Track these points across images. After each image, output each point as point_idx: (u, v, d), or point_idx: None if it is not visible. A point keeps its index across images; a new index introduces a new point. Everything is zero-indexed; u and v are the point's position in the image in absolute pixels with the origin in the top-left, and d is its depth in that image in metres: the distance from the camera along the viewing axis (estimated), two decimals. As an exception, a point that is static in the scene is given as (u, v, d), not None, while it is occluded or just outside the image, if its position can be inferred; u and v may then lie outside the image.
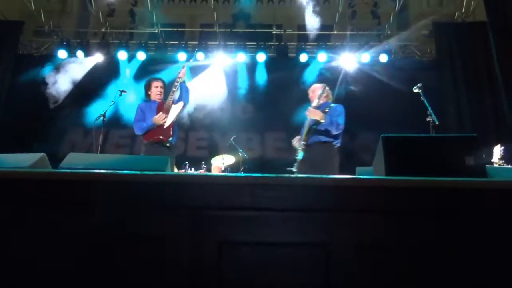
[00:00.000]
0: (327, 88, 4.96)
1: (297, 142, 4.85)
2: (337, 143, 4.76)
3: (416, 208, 1.45)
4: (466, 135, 1.96)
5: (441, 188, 1.45)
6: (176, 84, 4.75)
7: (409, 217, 1.44)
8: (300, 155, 4.72)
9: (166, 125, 4.65)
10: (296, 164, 4.80)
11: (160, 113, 4.66)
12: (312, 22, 8.18)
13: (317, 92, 4.85)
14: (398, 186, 1.47)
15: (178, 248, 1.41)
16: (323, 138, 4.64)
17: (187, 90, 4.93)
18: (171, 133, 4.67)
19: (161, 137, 4.61)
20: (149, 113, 4.82)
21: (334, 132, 4.63)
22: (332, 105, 4.80)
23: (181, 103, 4.74)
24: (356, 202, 1.45)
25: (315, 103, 4.72)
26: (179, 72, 4.85)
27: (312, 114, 4.57)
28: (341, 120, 4.67)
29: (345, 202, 1.45)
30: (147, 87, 4.98)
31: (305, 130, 4.71)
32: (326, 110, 4.62)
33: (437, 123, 4.54)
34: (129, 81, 8.59)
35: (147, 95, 4.99)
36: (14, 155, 2.15)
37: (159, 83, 4.96)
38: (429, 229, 1.42)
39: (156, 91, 4.92)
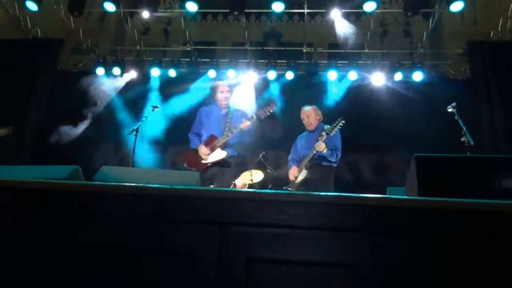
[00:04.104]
0: (318, 110, 5.04)
1: (294, 175, 4.88)
2: (335, 164, 4.90)
3: (449, 231, 1.40)
4: (504, 156, 1.89)
5: (476, 211, 1.40)
6: (234, 130, 4.58)
7: (441, 240, 1.39)
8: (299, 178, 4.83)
9: (204, 161, 4.57)
10: (293, 185, 4.94)
11: (205, 148, 4.58)
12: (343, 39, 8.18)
13: (312, 117, 4.91)
14: (431, 207, 1.43)
15: (206, 264, 1.41)
16: (324, 163, 4.78)
17: (249, 134, 4.77)
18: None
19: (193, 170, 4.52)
20: (207, 120, 4.78)
21: (334, 160, 4.78)
22: (326, 126, 4.84)
23: (224, 153, 4.57)
24: (387, 223, 1.42)
25: (311, 128, 4.97)
26: (244, 123, 4.59)
27: (319, 147, 4.58)
28: (339, 146, 4.84)
29: (375, 222, 1.42)
30: (213, 91, 4.90)
31: (307, 159, 4.74)
32: (323, 134, 4.68)
33: (472, 143, 4.42)
34: (161, 97, 8.81)
35: (213, 98, 4.90)
36: (49, 166, 2.22)
37: (225, 88, 4.83)
38: (462, 253, 1.37)
39: (221, 97, 4.80)
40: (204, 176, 4.50)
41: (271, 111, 4.69)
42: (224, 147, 4.61)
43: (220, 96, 4.82)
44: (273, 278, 1.39)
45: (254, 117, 4.59)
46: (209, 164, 4.57)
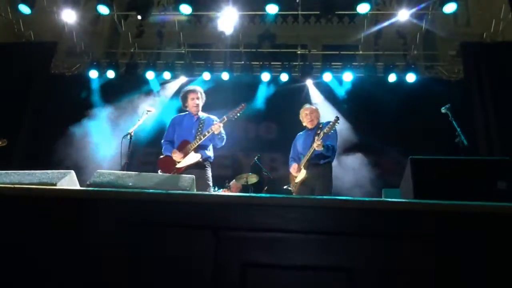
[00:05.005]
0: (318, 109, 5.29)
1: (295, 171, 4.96)
2: (332, 160, 5.01)
3: (444, 233, 1.40)
4: (498, 158, 1.90)
5: (471, 213, 1.40)
6: (206, 133, 4.56)
7: (437, 242, 1.39)
8: (298, 178, 4.95)
9: (178, 166, 4.57)
10: (293, 184, 5.06)
11: (179, 153, 4.57)
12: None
13: (314, 114, 5.12)
14: (426, 210, 1.43)
15: (201, 268, 1.40)
16: (321, 161, 4.87)
17: (222, 138, 4.71)
18: None
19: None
20: (179, 127, 4.80)
21: (330, 155, 4.89)
22: (323, 124, 5.03)
23: (198, 156, 4.57)
24: (383, 226, 1.42)
25: (312, 125, 5.06)
26: (215, 124, 4.53)
27: (317, 146, 4.64)
28: (335, 143, 4.98)
29: (371, 225, 1.42)
30: (184, 100, 4.90)
31: (306, 158, 4.86)
32: (319, 132, 4.80)
33: (466, 144, 4.44)
34: (155, 100, 8.82)
35: (185, 107, 4.91)
36: (44, 171, 2.19)
37: (195, 95, 4.84)
38: (457, 255, 1.37)
39: (192, 104, 4.81)
40: None
41: (241, 112, 4.70)
42: (197, 150, 4.62)
43: (191, 103, 4.84)
44: (268, 282, 1.38)
45: (225, 118, 4.59)
46: (183, 168, 4.55)
